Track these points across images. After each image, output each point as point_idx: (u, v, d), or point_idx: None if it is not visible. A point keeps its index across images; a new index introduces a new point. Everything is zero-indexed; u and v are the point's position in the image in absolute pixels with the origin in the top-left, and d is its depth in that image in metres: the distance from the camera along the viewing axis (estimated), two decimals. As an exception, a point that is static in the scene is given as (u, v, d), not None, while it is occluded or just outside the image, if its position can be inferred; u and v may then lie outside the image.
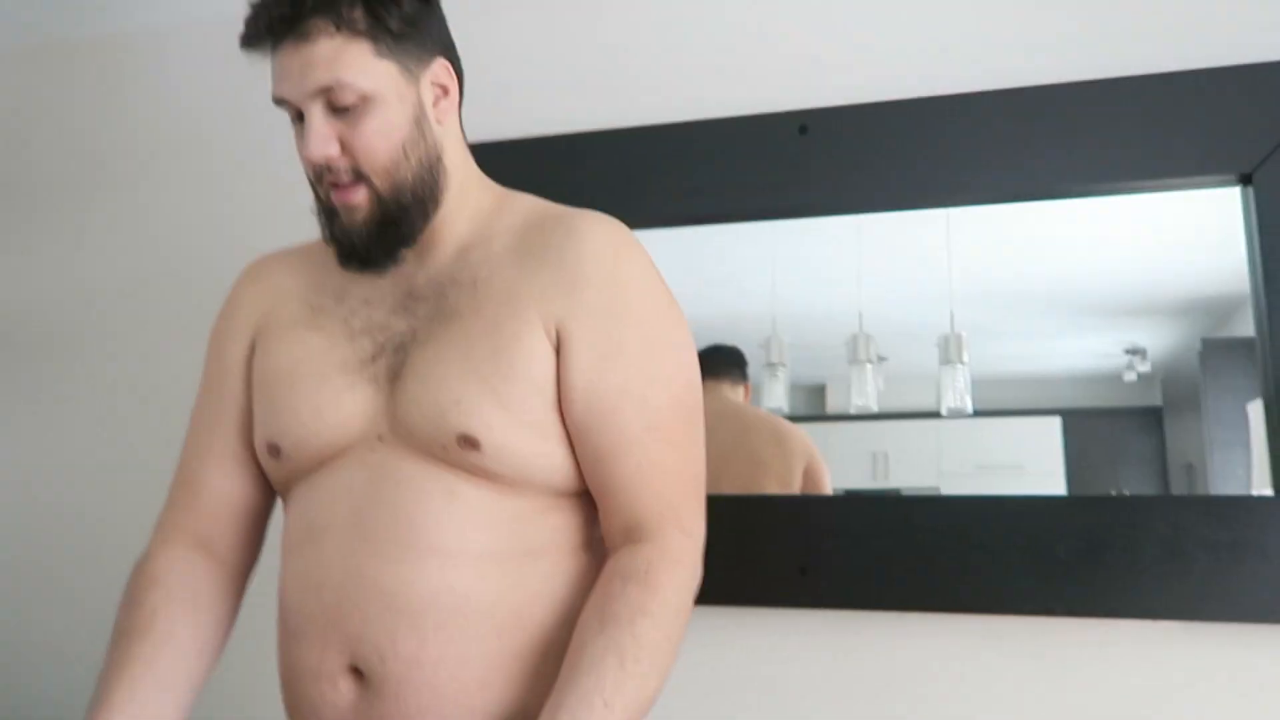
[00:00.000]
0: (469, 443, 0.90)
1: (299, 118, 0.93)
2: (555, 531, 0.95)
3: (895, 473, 1.49)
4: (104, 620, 1.68)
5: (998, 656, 1.33)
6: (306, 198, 1.70)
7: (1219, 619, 1.24)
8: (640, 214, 1.52)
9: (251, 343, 1.05)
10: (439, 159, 0.96)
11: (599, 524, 0.98)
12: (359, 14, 0.89)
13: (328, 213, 0.96)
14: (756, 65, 1.55)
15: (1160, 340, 1.41)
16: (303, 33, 0.89)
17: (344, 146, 0.91)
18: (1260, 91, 1.31)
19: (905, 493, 1.47)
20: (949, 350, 1.46)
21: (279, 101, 0.92)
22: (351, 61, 0.89)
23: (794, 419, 1.53)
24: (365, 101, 0.90)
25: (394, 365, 0.95)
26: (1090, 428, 1.45)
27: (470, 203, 1.00)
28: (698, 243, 1.56)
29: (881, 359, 1.50)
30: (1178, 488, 1.37)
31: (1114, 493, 1.40)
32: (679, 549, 0.92)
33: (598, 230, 0.95)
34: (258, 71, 1.79)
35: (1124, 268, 1.43)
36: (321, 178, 0.93)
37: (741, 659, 1.42)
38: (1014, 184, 1.41)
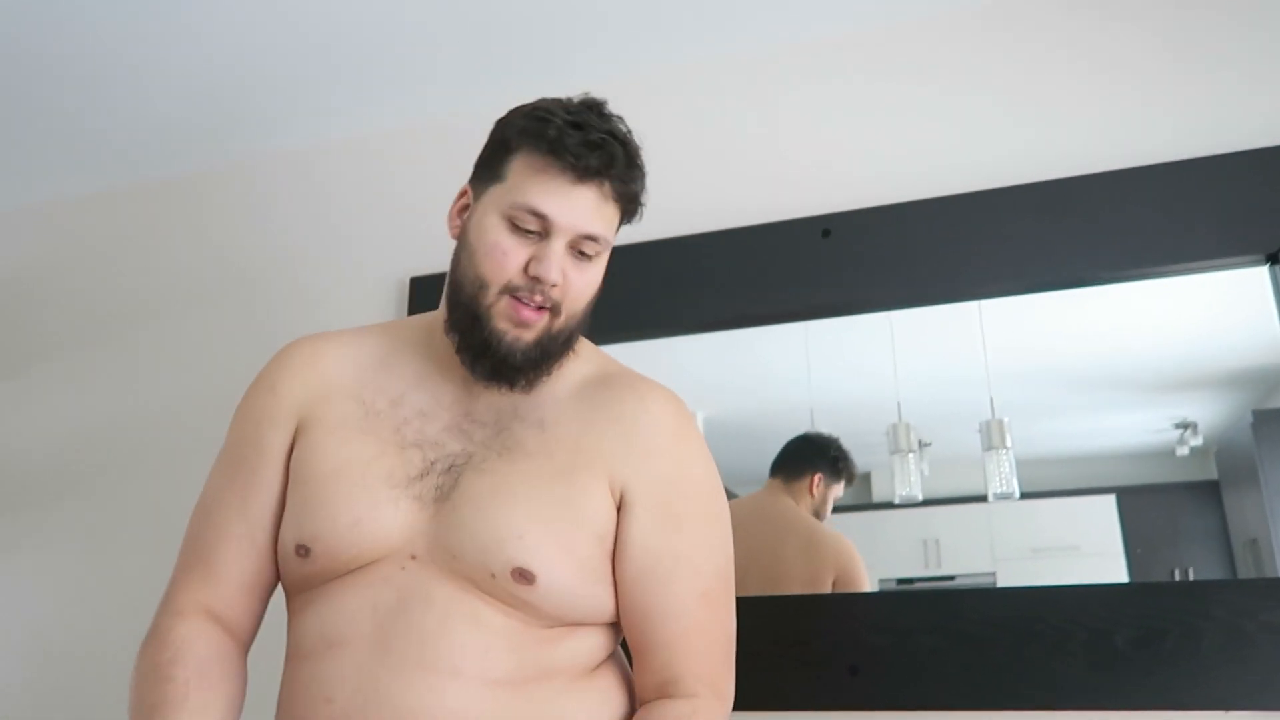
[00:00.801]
0: (524, 576, 0.92)
1: (532, 233, 0.96)
2: (570, 654, 0.96)
3: (948, 560, 1.48)
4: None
5: (1058, 753, 1.29)
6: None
7: (1289, 708, 1.20)
8: (673, 320, 1.57)
9: (294, 432, 1.03)
10: (590, 316, 1.05)
11: (609, 645, 1.01)
12: (636, 194, 1.01)
13: (484, 319, 0.98)
14: (779, 174, 1.60)
15: (1210, 413, 1.39)
16: (611, 189, 0.98)
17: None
18: (1280, 173, 1.32)
19: (960, 580, 1.46)
20: (991, 436, 1.45)
21: (535, 214, 0.95)
22: (614, 226, 1.01)
23: (840, 509, 1.53)
24: (598, 257, 1.00)
25: (443, 486, 0.97)
26: (1146, 505, 1.42)
27: None
28: (734, 341, 1.58)
29: (925, 444, 1.50)
30: (1243, 564, 1.33)
31: (1176, 573, 1.36)
32: (711, 711, 0.95)
33: (665, 405, 1.02)
34: (273, 218, 1.94)
35: (1164, 344, 1.42)
36: (517, 291, 0.96)
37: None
38: (1040, 275, 1.42)
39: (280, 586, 1.05)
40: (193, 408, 1.88)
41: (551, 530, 0.94)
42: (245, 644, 1.04)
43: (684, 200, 1.64)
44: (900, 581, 1.48)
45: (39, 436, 2.00)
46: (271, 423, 1.04)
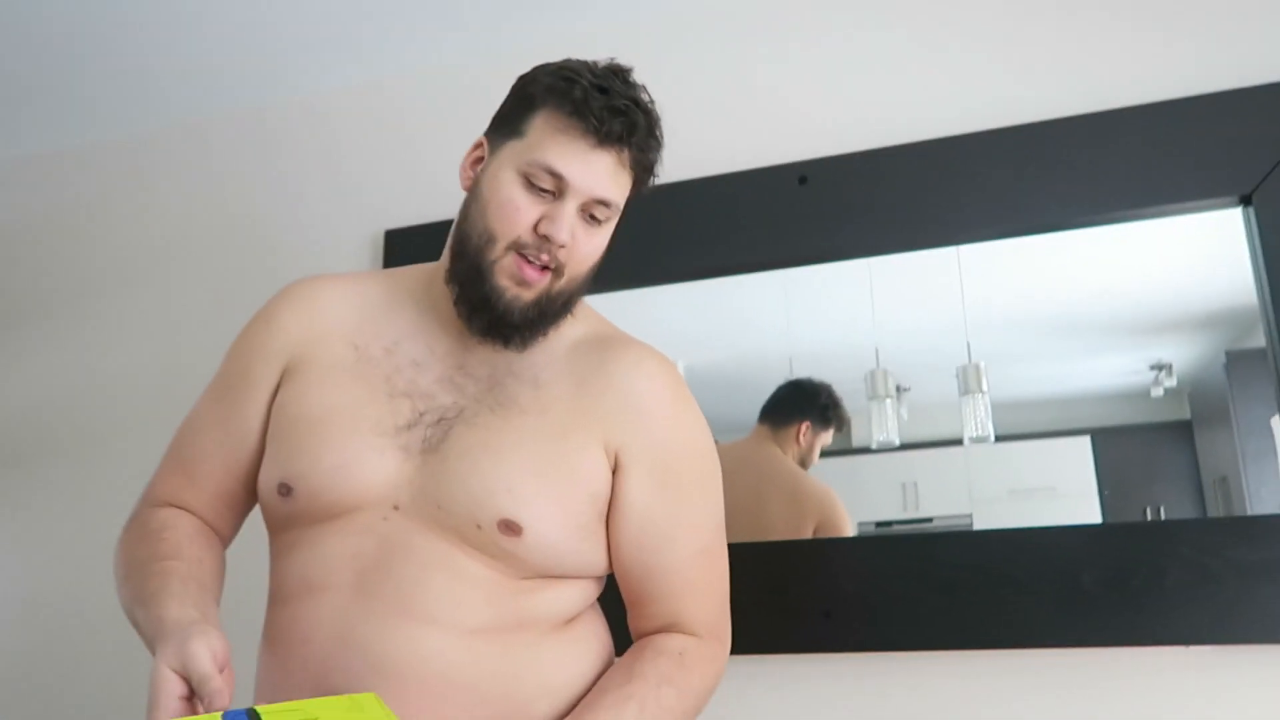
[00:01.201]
0: (510, 528, 0.93)
1: (546, 191, 0.95)
2: (548, 606, 0.98)
3: (926, 503, 1.50)
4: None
5: (1026, 690, 1.32)
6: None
7: (1250, 641, 1.23)
8: (650, 271, 1.56)
9: (283, 370, 1.04)
10: (592, 281, 1.04)
11: (589, 598, 1.03)
12: (651, 165, 1.01)
13: (486, 274, 0.97)
14: (754, 121, 1.58)
15: (1185, 354, 1.40)
16: (629, 157, 0.97)
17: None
18: (1255, 114, 1.31)
19: (937, 522, 1.48)
20: (968, 381, 1.46)
21: (552, 173, 0.95)
22: (626, 194, 1.00)
23: (820, 454, 1.54)
24: (607, 223, 1.00)
25: (431, 438, 0.97)
26: (1121, 445, 1.44)
27: None
28: (713, 291, 1.58)
29: (903, 390, 1.52)
30: (1213, 502, 1.35)
31: (1149, 512, 1.39)
32: (712, 651, 1.01)
33: (659, 368, 1.03)
34: (247, 175, 1.91)
35: (1140, 287, 1.42)
36: (524, 248, 0.96)
37: (767, 707, 1.42)
38: (1016, 220, 1.42)
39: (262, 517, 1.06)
40: (180, 366, 1.87)
41: (544, 485, 0.95)
42: (224, 541, 1.08)
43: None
44: (879, 524, 1.50)
45: (29, 395, 2.00)
46: (263, 358, 1.05)
